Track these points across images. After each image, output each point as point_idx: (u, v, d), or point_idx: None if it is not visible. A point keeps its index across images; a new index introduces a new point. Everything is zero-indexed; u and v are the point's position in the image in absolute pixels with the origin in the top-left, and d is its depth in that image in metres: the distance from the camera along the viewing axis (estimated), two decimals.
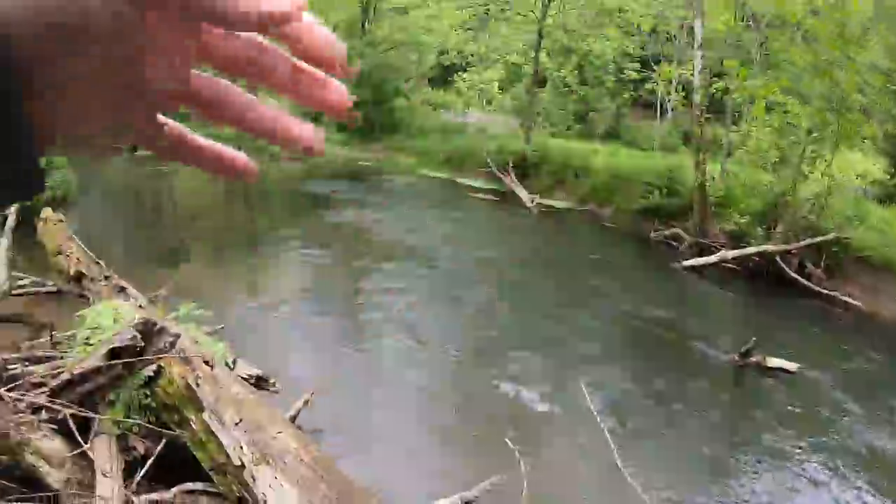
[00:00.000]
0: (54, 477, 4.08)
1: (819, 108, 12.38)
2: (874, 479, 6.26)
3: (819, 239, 12.00)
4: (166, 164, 18.60)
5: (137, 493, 4.13)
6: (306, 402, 5.82)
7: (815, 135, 12.71)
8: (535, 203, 17.04)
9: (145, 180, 16.70)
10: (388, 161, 21.83)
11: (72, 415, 4.30)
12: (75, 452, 4.08)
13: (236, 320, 8.05)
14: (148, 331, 3.80)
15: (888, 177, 14.92)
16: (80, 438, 4.24)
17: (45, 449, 4.15)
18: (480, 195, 18.08)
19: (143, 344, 3.81)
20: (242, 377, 5.40)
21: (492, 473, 4.70)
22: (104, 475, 3.97)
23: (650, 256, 13.56)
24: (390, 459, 5.69)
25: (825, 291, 11.48)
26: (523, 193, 17.62)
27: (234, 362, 5.40)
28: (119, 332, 3.82)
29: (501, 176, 18.84)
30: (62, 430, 4.30)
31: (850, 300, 11.20)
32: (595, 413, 5.79)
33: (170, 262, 10.30)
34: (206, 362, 4.19)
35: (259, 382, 5.59)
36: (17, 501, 3.41)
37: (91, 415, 4.19)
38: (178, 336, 3.83)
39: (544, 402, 7.07)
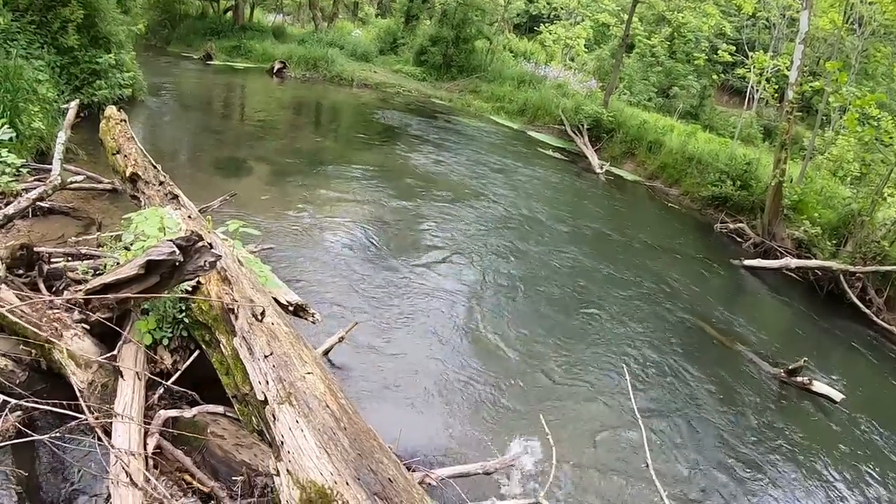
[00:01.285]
0: (79, 377, 4.06)
1: None
2: None
3: (888, 268, 11.32)
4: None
5: (157, 405, 4.10)
6: (341, 339, 5.71)
7: None
8: (603, 169, 16.60)
9: (216, 88, 16.77)
10: (461, 102, 21.36)
11: (105, 318, 4.27)
12: (103, 357, 4.05)
13: (286, 243, 7.97)
14: (189, 246, 3.66)
15: None
16: (108, 344, 4.24)
17: (74, 348, 4.12)
18: (549, 152, 17.63)
19: (182, 259, 3.68)
20: (282, 303, 5.32)
21: (519, 446, 4.51)
22: (128, 382, 3.94)
23: (711, 247, 12.98)
24: (416, 413, 5.54)
25: (883, 324, 10.85)
26: (593, 158, 17.16)
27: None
28: (159, 244, 3.69)
29: (574, 136, 18.35)
30: (94, 331, 4.29)
31: None
32: (631, 398, 5.54)
33: (229, 173, 10.25)
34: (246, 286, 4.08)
35: (298, 311, 5.49)
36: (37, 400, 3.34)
37: (113, 327, 4.15)
38: (218, 257, 3.68)
39: (583, 379, 6.83)
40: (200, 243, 3.68)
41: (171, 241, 3.69)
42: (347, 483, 2.76)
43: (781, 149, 13.28)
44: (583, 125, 18.33)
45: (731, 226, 13.86)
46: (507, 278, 8.78)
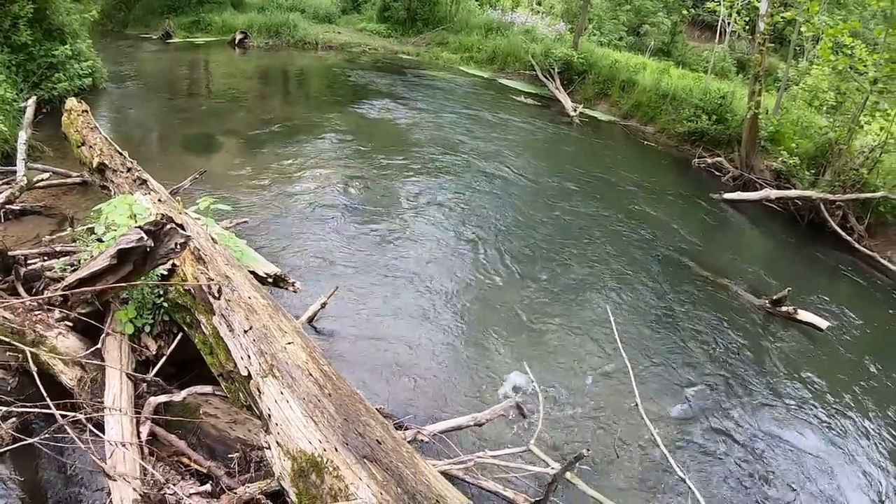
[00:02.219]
0: (68, 375, 4.07)
1: (890, 59, 11.45)
2: (873, 446, 6.11)
3: (867, 195, 11.30)
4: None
5: (147, 392, 4.12)
6: (323, 305, 5.73)
7: (880, 86, 11.81)
8: (577, 112, 16.41)
9: (178, 66, 16.40)
10: (428, 55, 21.01)
11: (85, 313, 4.26)
12: (88, 352, 4.05)
13: (262, 215, 7.91)
14: (158, 230, 3.63)
15: None
16: (93, 338, 4.23)
17: (60, 347, 4.13)
18: (522, 98, 17.41)
19: (152, 244, 3.65)
20: (260, 276, 5.32)
21: (509, 394, 4.57)
22: (114, 373, 3.95)
23: (690, 182, 12.97)
24: (405, 372, 5.57)
25: (865, 250, 10.93)
26: (566, 101, 16.98)
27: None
28: (128, 232, 3.65)
29: (545, 81, 18.14)
30: (77, 327, 4.28)
31: (889, 264, 10.73)
32: (616, 338, 5.60)
33: (199, 151, 10.09)
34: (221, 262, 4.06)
35: (278, 282, 5.50)
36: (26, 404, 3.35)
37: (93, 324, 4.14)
38: (188, 237, 3.65)
39: (568, 321, 6.91)
40: (169, 226, 3.65)
41: (139, 227, 3.66)
42: (336, 449, 2.80)
43: (755, 81, 13.18)
44: (554, 69, 18.12)
45: (709, 160, 13.85)
46: (487, 227, 8.79)
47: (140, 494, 3.27)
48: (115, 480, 3.36)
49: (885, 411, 6.62)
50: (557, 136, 14.58)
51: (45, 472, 3.92)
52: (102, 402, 3.83)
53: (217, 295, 3.62)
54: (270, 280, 5.35)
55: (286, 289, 5.54)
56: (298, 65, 18.40)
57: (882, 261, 10.71)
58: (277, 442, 2.98)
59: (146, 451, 3.70)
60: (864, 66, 12.13)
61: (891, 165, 12.09)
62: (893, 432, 6.30)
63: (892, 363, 7.58)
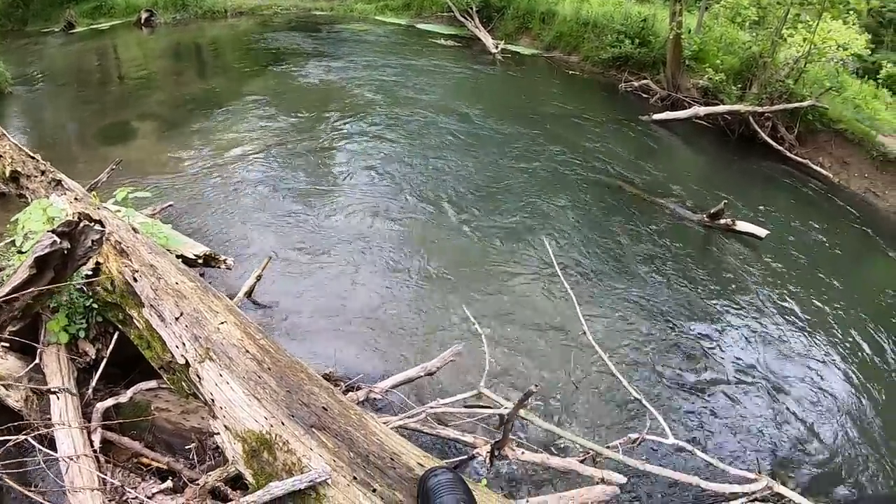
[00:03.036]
0: (13, 398, 3.93)
1: None
2: (826, 342, 6.45)
3: (795, 105, 11.61)
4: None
5: (94, 398, 4.02)
6: (259, 278, 5.65)
7: None
8: (499, 49, 16.25)
9: (85, 56, 15.66)
10: (342, 8, 20.48)
11: (17, 331, 4.11)
12: (28, 368, 3.93)
13: (187, 196, 7.70)
14: (71, 231, 3.49)
15: (868, 52, 14.32)
16: (32, 355, 4.08)
17: (1, 370, 4.00)
18: (442, 41, 17.16)
19: (69, 246, 3.52)
20: (190, 258, 5.20)
21: (453, 342, 4.60)
22: (55, 388, 3.84)
23: (618, 107, 13.05)
24: (351, 333, 5.55)
25: (797, 158, 11.30)
26: (487, 39, 16.77)
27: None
28: (41, 238, 3.51)
29: (464, 21, 17.83)
30: (14, 347, 4.13)
31: (821, 169, 11.09)
32: (557, 268, 5.68)
33: (116, 141, 9.67)
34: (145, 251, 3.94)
35: (209, 261, 5.39)
36: None
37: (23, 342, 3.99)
38: (102, 232, 3.52)
39: (507, 257, 7.00)
40: (83, 224, 3.51)
41: (51, 231, 3.52)
42: (283, 423, 2.79)
43: (675, 2, 13.22)
44: (471, 8, 17.82)
45: (636, 83, 13.95)
46: (418, 174, 8.78)
47: None
48: (75, 495, 3.31)
49: (829, 313, 6.93)
50: (481, 75, 14.46)
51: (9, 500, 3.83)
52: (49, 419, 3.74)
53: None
54: (201, 261, 5.25)
55: (218, 267, 5.45)
56: (210, 36, 17.74)
57: (814, 167, 11.12)
58: (225, 426, 2.95)
59: (102, 459, 3.64)
60: None
61: (815, 75, 12.41)
62: (838, 334, 6.60)
63: (831, 264, 7.92)
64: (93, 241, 3.53)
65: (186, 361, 3.15)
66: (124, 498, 3.33)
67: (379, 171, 8.83)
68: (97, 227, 3.58)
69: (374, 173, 8.74)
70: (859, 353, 6.34)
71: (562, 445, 4.48)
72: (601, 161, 9.91)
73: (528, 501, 3.32)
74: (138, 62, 15.14)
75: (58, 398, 3.76)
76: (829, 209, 9.77)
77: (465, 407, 4.04)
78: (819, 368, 6.03)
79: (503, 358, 5.35)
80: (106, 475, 3.46)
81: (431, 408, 3.83)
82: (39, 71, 13.89)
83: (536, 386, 3.26)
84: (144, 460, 3.85)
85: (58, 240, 3.41)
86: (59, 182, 5.57)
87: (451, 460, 3.84)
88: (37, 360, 3.96)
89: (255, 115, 10.84)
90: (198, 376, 3.08)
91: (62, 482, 3.38)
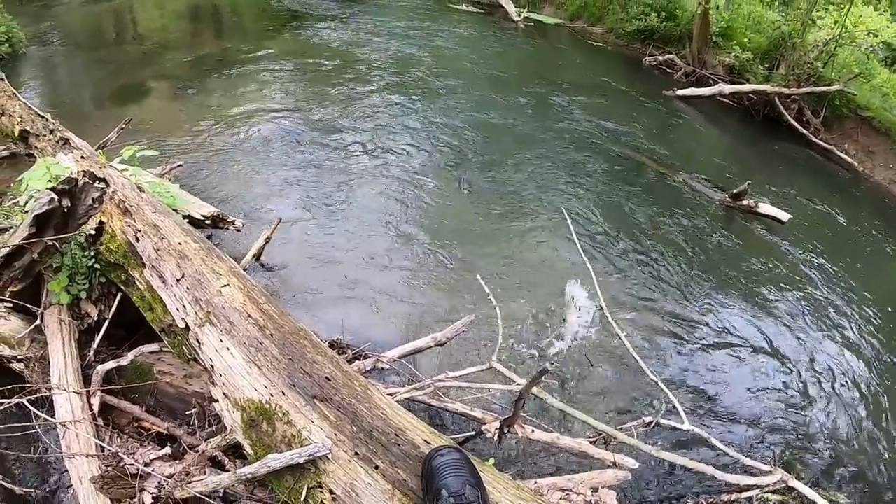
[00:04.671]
0: (15, 358, 3.88)
1: None
2: (846, 333, 6.28)
3: (822, 88, 11.35)
4: None
5: (95, 361, 3.94)
6: (268, 240, 5.51)
7: None
8: (521, 17, 15.94)
9: (104, 15, 15.49)
10: None
11: (19, 290, 4.03)
12: (29, 329, 3.85)
13: (199, 156, 7.54)
14: (72, 188, 3.38)
15: None
16: (32, 314, 4.00)
17: (4, 332, 3.92)
18: (463, 6, 16.79)
19: (69, 204, 3.40)
20: (197, 219, 5.09)
21: (466, 313, 4.45)
22: (56, 349, 3.76)
23: (642, 81, 12.74)
24: (360, 300, 5.41)
25: (822, 143, 11.05)
26: (510, 6, 16.41)
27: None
28: (40, 196, 3.39)
29: None
30: (18, 308, 4.05)
31: (846, 157, 10.81)
32: (577, 243, 5.52)
33: (131, 101, 9.48)
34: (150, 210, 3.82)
35: (217, 223, 5.27)
36: None
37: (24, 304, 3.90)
38: (102, 190, 3.40)
39: (524, 229, 6.82)
40: (83, 181, 3.39)
41: (51, 189, 3.41)
42: (283, 393, 2.66)
43: None
44: None
45: (660, 58, 13.66)
46: (439, 143, 8.57)
47: (99, 470, 3.14)
48: (71, 460, 3.23)
49: (848, 303, 6.75)
50: (503, 42, 14.17)
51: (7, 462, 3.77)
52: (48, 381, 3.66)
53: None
54: (208, 222, 5.14)
55: (227, 228, 5.33)
56: None
57: (839, 153, 10.86)
58: (224, 393, 2.84)
59: (101, 423, 3.56)
60: None
61: (845, 59, 12.06)
62: (858, 326, 6.42)
63: (853, 254, 7.71)
64: (93, 199, 3.43)
65: (186, 325, 3.03)
66: (122, 464, 3.23)
67: (395, 137, 8.62)
68: (98, 184, 3.46)
69: (390, 139, 8.53)
70: (879, 346, 6.17)
71: (572, 427, 4.35)
72: (623, 134, 9.68)
73: (536, 483, 3.19)
74: (157, 22, 14.95)
75: (60, 359, 3.68)
76: (852, 198, 9.53)
77: (476, 382, 3.90)
78: (837, 360, 5.88)
79: (516, 332, 5.20)
80: (104, 440, 3.38)
81: (440, 380, 3.70)
82: (55, 31, 13.72)
83: (552, 364, 3.13)
84: (145, 424, 3.78)
85: (56, 198, 3.30)
86: (66, 140, 5.49)
87: (457, 436, 3.72)
88: (38, 322, 3.88)
89: (270, 77, 10.63)
90: (198, 341, 2.97)
91: (60, 448, 3.31)
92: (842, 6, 11.73)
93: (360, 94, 10.03)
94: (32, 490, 3.58)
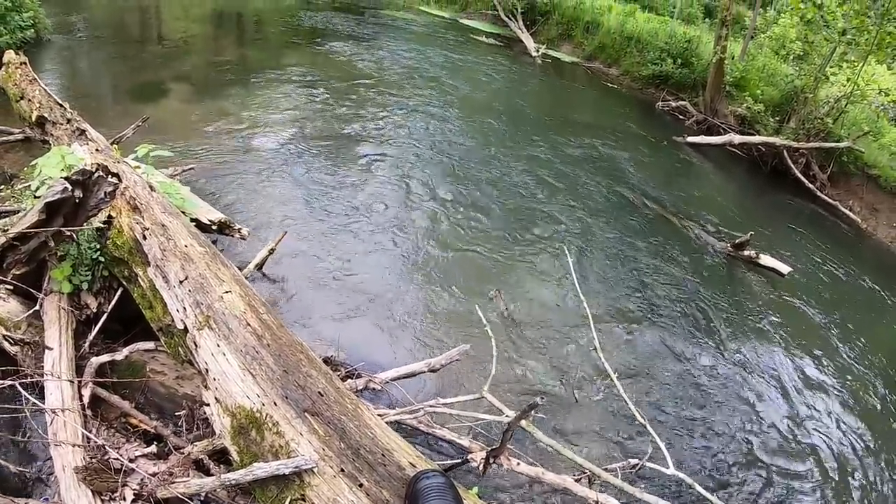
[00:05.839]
0: (10, 342, 3.88)
1: (859, 10, 11.40)
2: (838, 388, 6.28)
3: (831, 144, 11.46)
4: None
5: (90, 352, 3.95)
6: (271, 251, 5.55)
7: (848, 37, 11.78)
8: (540, 53, 16.25)
9: (129, 11, 15.68)
10: None
11: (22, 275, 4.05)
12: (28, 314, 3.86)
13: (211, 161, 7.60)
14: (86, 180, 3.42)
15: None
16: (32, 299, 4.02)
17: (2, 313, 3.93)
18: (483, 38, 17.13)
19: (81, 195, 3.44)
20: (204, 223, 5.12)
21: (461, 342, 4.47)
22: (53, 336, 3.77)
23: (653, 125, 12.88)
24: (358, 318, 5.43)
25: (827, 199, 11.13)
26: (529, 42, 16.77)
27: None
28: (53, 184, 3.43)
29: (508, 21, 17.90)
30: (18, 291, 4.07)
31: (850, 213, 10.88)
32: (575, 279, 5.54)
33: (149, 99, 9.59)
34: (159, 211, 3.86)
35: (223, 229, 5.31)
36: None
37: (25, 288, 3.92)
38: (115, 185, 3.44)
39: (526, 264, 6.85)
40: (97, 175, 3.43)
41: (65, 178, 3.45)
42: (275, 403, 2.68)
43: (722, 25, 13.09)
44: (517, 9, 17.87)
45: (673, 104, 13.82)
46: (447, 170, 8.65)
47: (83, 460, 3.14)
48: (56, 448, 3.23)
49: (843, 358, 6.75)
50: (520, 76, 14.34)
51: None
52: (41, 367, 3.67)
53: None
54: (215, 227, 5.17)
55: (232, 236, 5.36)
56: (254, 6, 17.71)
57: (843, 209, 10.91)
58: (216, 398, 2.85)
59: (89, 415, 3.56)
60: (833, 16, 12.08)
61: (855, 117, 12.18)
62: (850, 379, 6.43)
63: (850, 310, 7.72)
64: (105, 192, 3.46)
65: (185, 327, 3.06)
66: (106, 457, 3.23)
67: (406, 159, 8.70)
68: (112, 179, 3.50)
69: (401, 161, 8.61)
70: (870, 401, 6.17)
71: (558, 462, 4.34)
72: (630, 177, 9.77)
73: None
74: (181, 23, 15.13)
75: (55, 347, 3.69)
76: (853, 254, 9.56)
77: (466, 410, 3.91)
78: (830, 413, 5.87)
79: (509, 364, 5.21)
80: (91, 432, 3.38)
81: (431, 405, 3.71)
82: (80, 21, 13.89)
83: (542, 398, 3.13)
84: (133, 421, 3.77)
85: (69, 187, 3.33)
86: (83, 132, 5.53)
87: (443, 462, 3.71)
88: (37, 307, 3.89)
89: (287, 89, 10.74)
90: (195, 343, 2.99)
91: (46, 434, 3.31)
92: (855, 64, 11.86)
93: (374, 116, 10.14)
94: (26, 470, 3.58)
